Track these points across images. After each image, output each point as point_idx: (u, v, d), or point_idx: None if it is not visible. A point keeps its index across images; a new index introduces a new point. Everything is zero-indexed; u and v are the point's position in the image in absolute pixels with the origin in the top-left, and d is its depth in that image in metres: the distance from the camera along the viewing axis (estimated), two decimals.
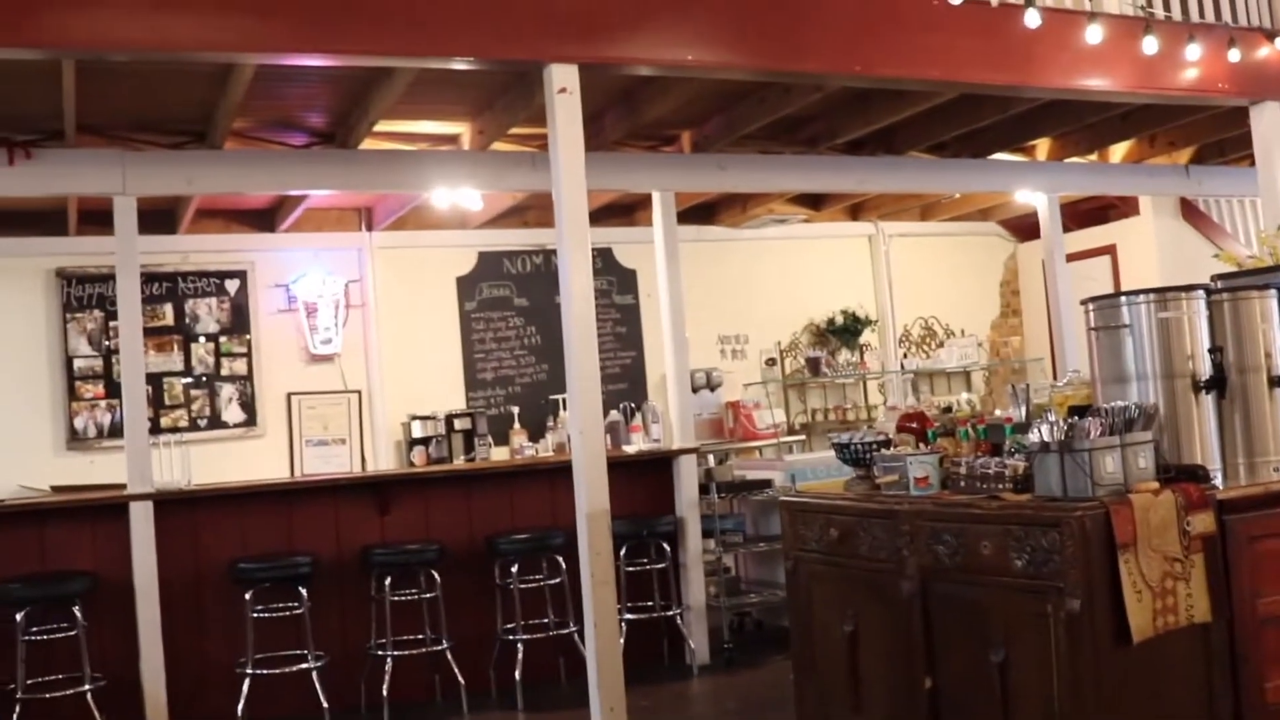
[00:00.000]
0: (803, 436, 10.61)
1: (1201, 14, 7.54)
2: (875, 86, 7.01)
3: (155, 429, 8.71)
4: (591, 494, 5.63)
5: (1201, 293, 4.40)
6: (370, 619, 7.08)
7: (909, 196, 10.62)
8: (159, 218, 8.65)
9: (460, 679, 7.05)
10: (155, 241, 8.61)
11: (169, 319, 9.21)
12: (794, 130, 8.29)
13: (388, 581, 6.97)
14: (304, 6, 5.27)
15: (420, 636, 7.14)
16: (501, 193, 8.40)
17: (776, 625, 8.49)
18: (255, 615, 6.66)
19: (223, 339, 9.37)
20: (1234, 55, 7.30)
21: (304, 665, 6.74)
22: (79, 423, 8.87)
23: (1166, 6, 7.41)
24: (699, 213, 10.36)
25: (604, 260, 10.41)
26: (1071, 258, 10.66)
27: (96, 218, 7.99)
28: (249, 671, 6.62)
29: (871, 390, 11.35)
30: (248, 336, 9.42)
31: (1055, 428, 4.08)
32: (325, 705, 6.66)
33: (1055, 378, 10.67)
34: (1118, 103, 8.02)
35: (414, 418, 9.49)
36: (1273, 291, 4.57)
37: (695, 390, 10.07)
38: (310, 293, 9.49)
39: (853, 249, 11.59)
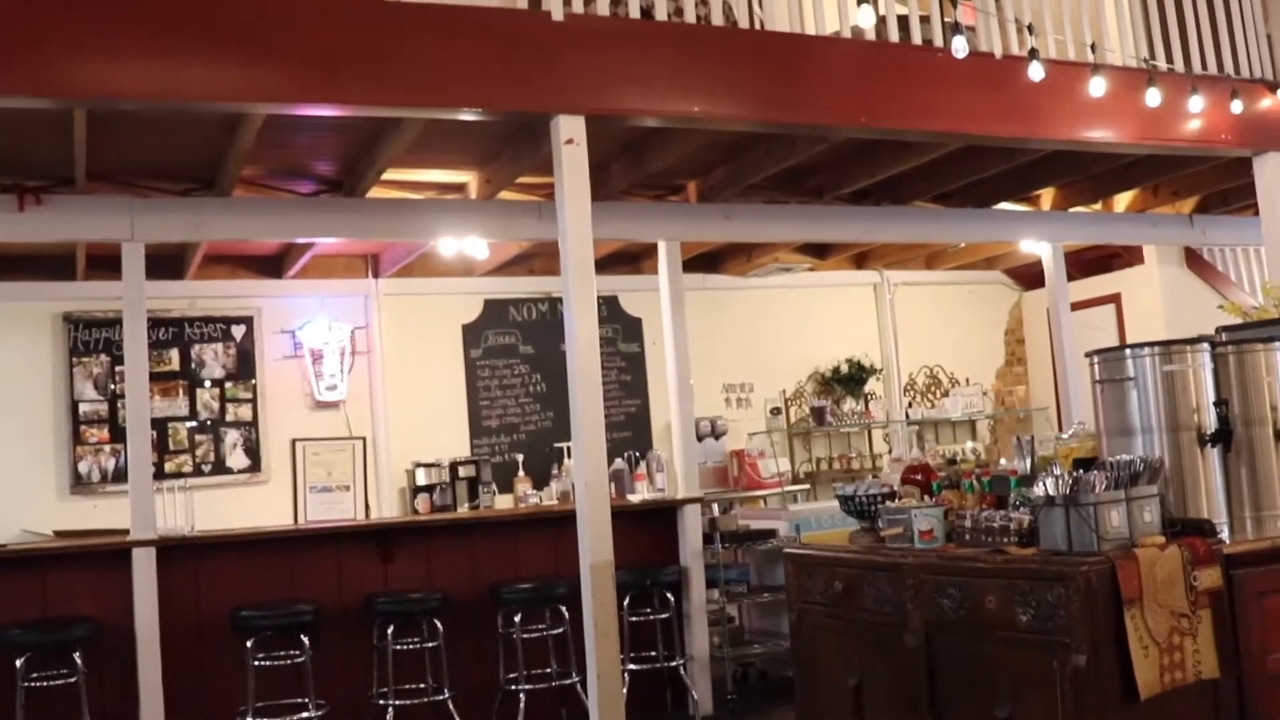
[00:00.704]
0: (807, 486, 10.58)
1: (1204, 66, 7.59)
2: (880, 138, 7.04)
3: (159, 474, 8.69)
4: (595, 545, 5.62)
5: (1206, 345, 4.41)
6: (372, 668, 7.04)
7: (914, 246, 10.64)
8: (167, 263, 8.68)
9: None
10: (162, 287, 8.62)
11: (175, 364, 9.23)
12: (799, 180, 8.33)
13: (390, 630, 6.93)
14: (313, 58, 5.32)
15: (422, 685, 7.10)
16: (508, 241, 8.42)
17: (781, 676, 8.43)
18: (256, 664, 6.62)
19: (228, 384, 9.38)
20: (1237, 107, 7.35)
21: (305, 715, 6.70)
22: (83, 467, 8.87)
23: (1169, 58, 7.46)
24: (704, 261, 10.39)
25: (609, 308, 10.43)
26: (1076, 306, 10.68)
27: (104, 263, 8.02)
28: None
29: (876, 439, 11.33)
30: (253, 382, 9.43)
31: (1060, 481, 4.08)
32: None
33: (1060, 427, 10.67)
34: (1122, 153, 8.05)
35: (418, 465, 9.47)
36: (1278, 344, 4.58)
37: (700, 438, 10.06)
38: (316, 339, 9.51)
39: (858, 297, 11.61)
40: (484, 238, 7.97)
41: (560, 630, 7.30)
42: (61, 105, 5.36)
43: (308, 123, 6.24)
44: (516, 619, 7.14)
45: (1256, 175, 7.86)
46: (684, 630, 7.86)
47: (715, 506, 8.89)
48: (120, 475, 8.53)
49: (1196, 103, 7.02)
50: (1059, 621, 3.82)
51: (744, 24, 6.34)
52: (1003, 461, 12.07)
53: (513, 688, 7.16)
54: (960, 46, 5.66)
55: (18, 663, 6.17)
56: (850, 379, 11.11)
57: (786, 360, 11.12)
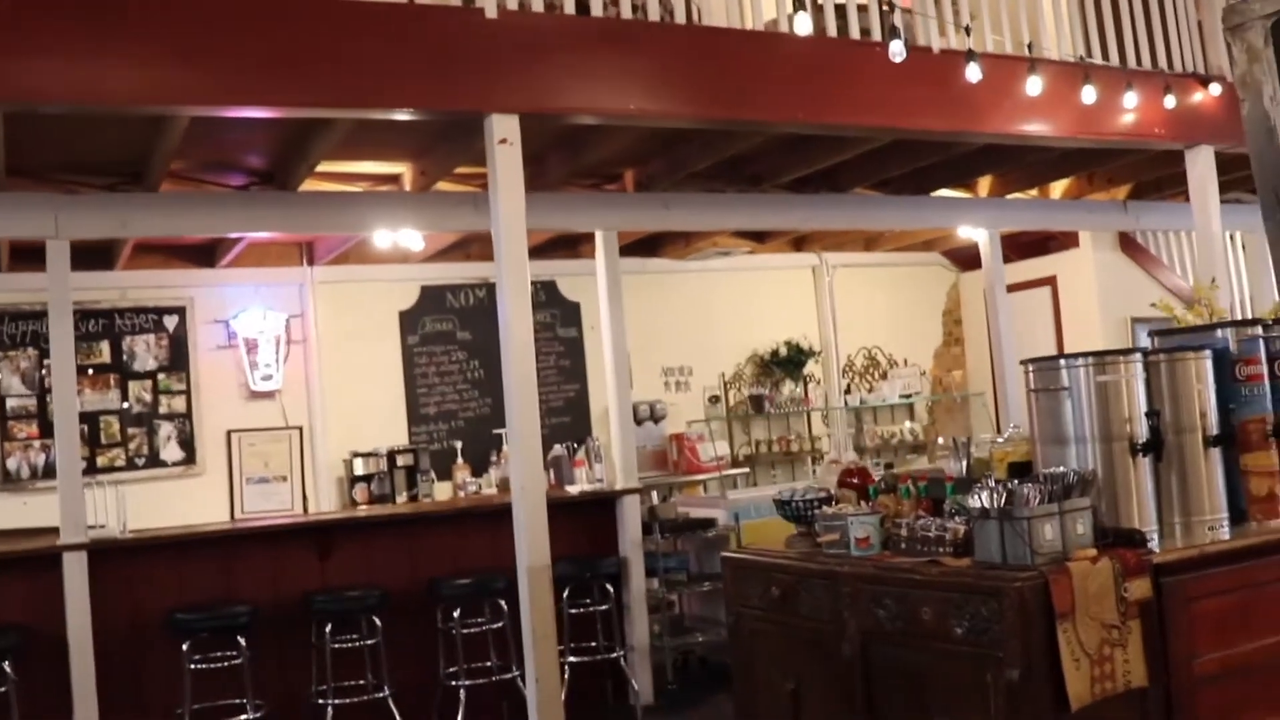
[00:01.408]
0: (746, 469, 10.62)
1: (1139, 61, 7.65)
2: (818, 133, 7.03)
3: (91, 468, 8.58)
4: (532, 550, 5.60)
5: (1139, 356, 4.44)
6: (311, 667, 7.00)
7: (853, 230, 10.67)
8: (96, 253, 8.50)
9: None
10: (91, 278, 8.47)
11: (105, 356, 9.08)
12: (738, 168, 8.31)
13: (328, 628, 6.89)
14: (241, 60, 5.22)
15: (362, 683, 7.06)
16: (443, 233, 8.34)
17: (720, 663, 8.45)
18: (193, 666, 6.55)
19: (161, 376, 9.24)
20: (1170, 101, 7.41)
21: (244, 717, 6.64)
22: (12, 463, 8.71)
23: (1105, 53, 7.50)
24: (643, 245, 10.35)
25: (547, 293, 10.38)
26: (1013, 288, 10.77)
27: (29, 254, 7.85)
28: None
29: (816, 421, 11.38)
30: (187, 373, 9.29)
31: (995, 494, 4.09)
32: None
33: (997, 412, 10.78)
34: (1058, 146, 8.10)
35: (356, 455, 9.39)
36: (1208, 352, 4.62)
37: (639, 423, 10.07)
38: (251, 328, 9.39)
39: (797, 280, 11.62)
40: (419, 230, 7.90)
41: (500, 624, 7.29)
42: None
43: (238, 120, 6.12)
44: (456, 614, 7.12)
45: (1188, 167, 7.94)
46: (624, 621, 7.87)
47: (655, 495, 8.90)
48: (51, 471, 8.36)
49: (1131, 99, 7.08)
50: (993, 635, 3.84)
51: (681, 19, 6.27)
52: (940, 440, 12.24)
53: (453, 683, 7.15)
54: (898, 50, 5.64)
55: None
56: (789, 361, 11.14)
57: (726, 343, 11.12)
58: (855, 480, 5.06)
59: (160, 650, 6.69)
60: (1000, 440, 5.15)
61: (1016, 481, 4.20)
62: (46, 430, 8.64)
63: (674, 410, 10.65)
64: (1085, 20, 7.63)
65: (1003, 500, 4.05)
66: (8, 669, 6.16)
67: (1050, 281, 11.57)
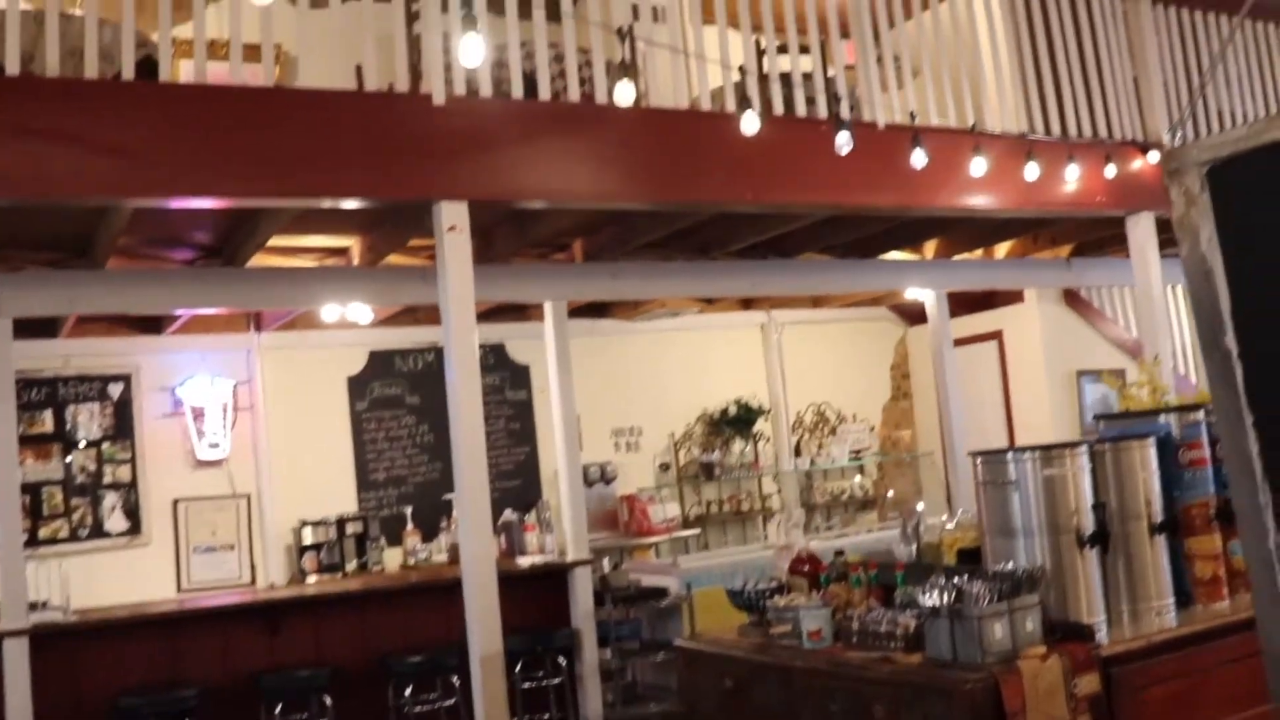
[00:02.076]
0: (698, 530, 10.62)
1: (1079, 131, 7.76)
2: (766, 212, 7.08)
3: (33, 540, 8.44)
4: (484, 636, 5.56)
5: (1085, 448, 4.50)
6: None
7: None
8: (39, 322, 8.39)
9: None
10: (34, 346, 8.38)
11: (48, 425, 8.94)
12: (686, 237, 8.34)
13: (279, 709, 6.81)
14: (187, 150, 5.19)
15: None
16: (392, 306, 8.31)
17: None
18: None
19: (105, 445, 9.11)
20: (1110, 170, 7.54)
21: None
22: None
23: (1047, 125, 7.61)
24: (592, 307, 10.33)
25: (496, 356, 10.36)
26: (959, 342, 10.88)
27: None
28: None
29: (766, 479, 11.40)
30: (132, 441, 9.18)
31: (945, 591, 4.12)
32: None
33: (946, 470, 10.85)
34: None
35: (305, 523, 9.29)
36: (1152, 440, 4.69)
37: (590, 485, 10.04)
38: (197, 396, 9.28)
39: (745, 338, 11.67)
40: (367, 303, 7.87)
41: (453, 701, 7.24)
42: None
43: None
44: (408, 692, 7.07)
45: (1129, 233, 8.07)
46: (577, 692, 7.83)
47: (606, 562, 8.88)
48: None
49: (1073, 171, 7.19)
50: None
51: (629, 99, 6.30)
52: (890, 494, 12.27)
53: None
54: (844, 142, 5.71)
55: None
56: (739, 420, 11.16)
57: (675, 403, 11.13)
58: (806, 568, 5.08)
59: None
60: (950, 526, 5.20)
61: (967, 578, 4.23)
62: None
63: (624, 471, 10.64)
64: (1027, 92, 7.75)
65: (953, 598, 4.09)
66: None
67: (997, 336, 11.68)
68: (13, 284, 6.67)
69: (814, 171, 6.54)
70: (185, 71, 7.26)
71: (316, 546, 9.26)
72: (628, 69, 5.40)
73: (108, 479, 9.09)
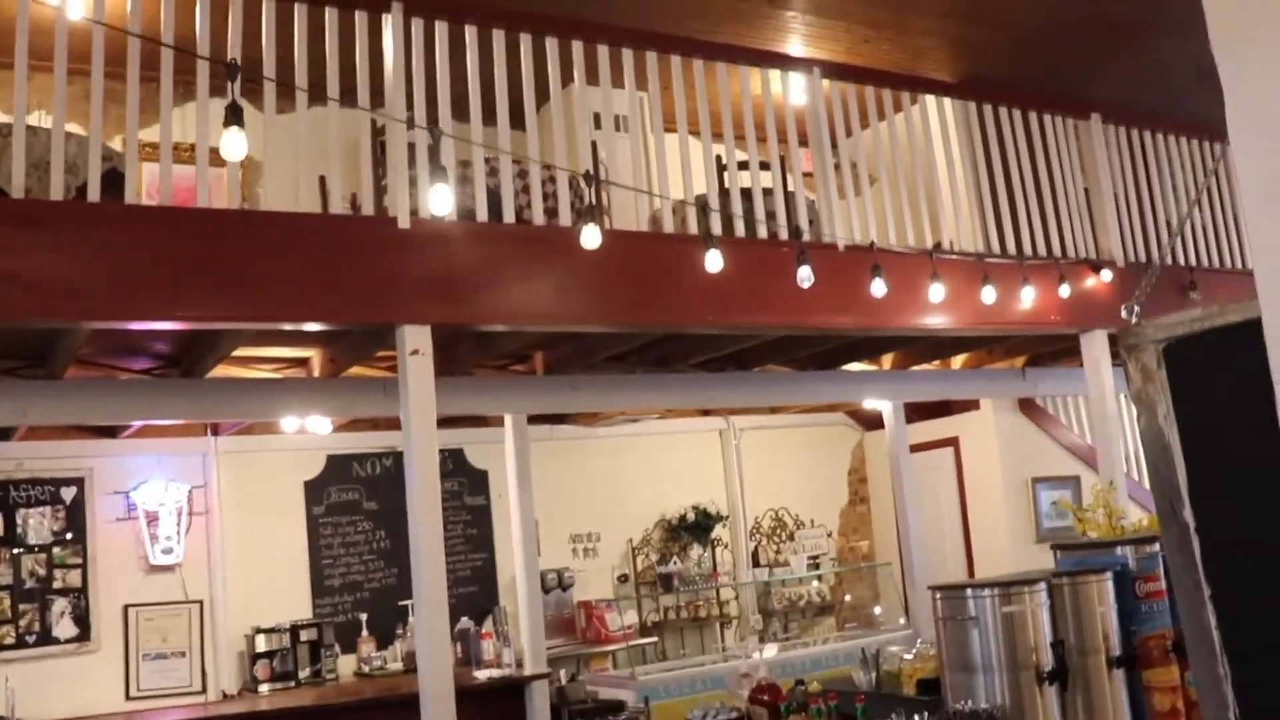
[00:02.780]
0: (655, 639, 10.56)
1: (1034, 249, 7.90)
2: (727, 333, 7.15)
3: None
4: None
5: (1043, 585, 4.53)
6: None
7: None
8: None
9: None
10: None
11: None
12: (647, 351, 8.39)
13: None
14: (148, 273, 5.19)
15: None
16: (352, 418, 8.28)
17: None
18: None
19: (56, 549, 8.98)
20: (1065, 290, 7.67)
21: None
22: None
23: (1003, 244, 7.74)
24: (552, 414, 10.37)
25: (455, 461, 10.33)
26: (916, 448, 10.96)
27: None
28: None
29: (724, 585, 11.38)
30: (84, 546, 9.06)
31: None
32: None
33: (904, 582, 10.86)
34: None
35: (258, 630, 9.17)
36: (1109, 575, 4.74)
37: (547, 591, 9.99)
38: (151, 500, 9.19)
39: (704, 443, 11.71)
40: (327, 416, 7.84)
41: None
42: None
43: None
44: None
45: (1083, 349, 8.19)
46: None
47: (563, 674, 8.80)
48: None
49: (1029, 293, 7.30)
50: None
51: (594, 243, 6.34)
52: (848, 598, 12.25)
53: None
54: (805, 276, 5.79)
55: None
56: (697, 526, 11.16)
57: (634, 509, 11.12)
58: (766, 698, 5.07)
59: None
60: (909, 656, 5.21)
61: (928, 715, 4.25)
62: None
63: (582, 577, 10.59)
64: (984, 211, 7.89)
65: None
66: None
67: (953, 442, 11.77)
68: None
69: (775, 294, 6.61)
70: (150, 173, 7.27)
71: (269, 654, 9.14)
72: (593, 212, 5.46)
73: (58, 584, 8.95)
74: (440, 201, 4.89)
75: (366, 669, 9.31)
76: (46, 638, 8.87)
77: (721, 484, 11.66)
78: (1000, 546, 11.05)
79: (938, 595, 4.64)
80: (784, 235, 6.84)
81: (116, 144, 6.94)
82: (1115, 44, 9.20)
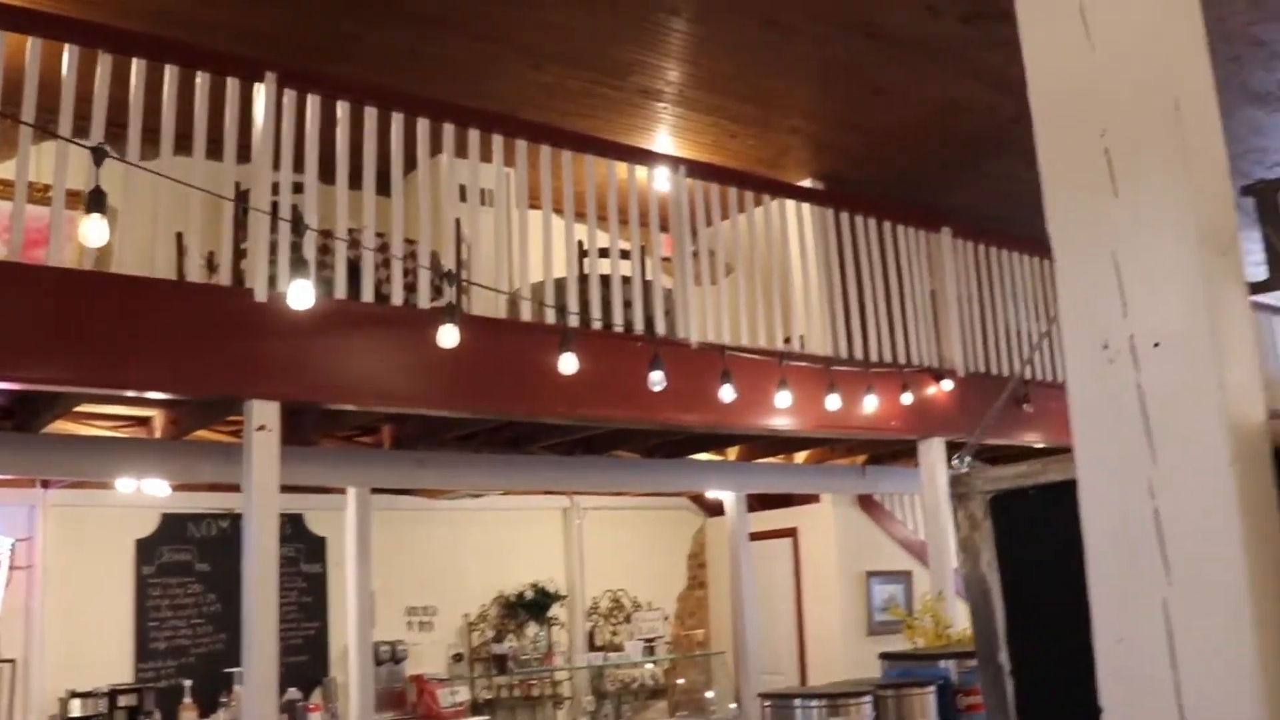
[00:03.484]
0: (487, 717, 10.47)
1: (880, 356, 8.15)
2: (576, 424, 7.21)
3: None
4: None
5: (870, 697, 4.65)
6: None
7: None
8: None
9: None
10: None
11: None
12: (496, 432, 8.41)
13: None
14: None
15: None
16: (192, 482, 8.11)
17: None
18: None
19: None
20: (907, 398, 7.91)
21: None
22: None
23: (850, 349, 7.97)
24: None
25: (293, 527, 10.17)
26: (756, 536, 11.10)
27: None
28: None
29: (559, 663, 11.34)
30: None
31: None
32: None
33: (737, 672, 10.96)
34: None
35: (74, 694, 8.85)
36: (932, 689, 4.88)
37: (380, 663, 9.87)
38: None
39: (547, 520, 11.72)
40: (167, 479, 7.66)
41: None
42: None
43: None
44: None
45: (921, 455, 8.45)
46: None
47: None
48: None
49: (872, 401, 7.52)
50: None
51: (452, 342, 6.34)
52: (680, 682, 12.32)
53: None
54: (657, 380, 5.90)
55: None
56: (535, 604, 11.14)
57: (472, 583, 11.06)
58: None
59: None
60: None
61: None
62: None
63: (415, 651, 10.47)
64: (834, 314, 8.12)
65: None
66: None
67: (792, 533, 11.97)
68: None
69: (627, 389, 6.69)
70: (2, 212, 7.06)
71: (84, 719, 8.82)
72: (453, 312, 5.49)
73: None
74: (300, 296, 4.87)
75: None
76: None
77: (562, 562, 11.67)
78: (833, 636, 11.25)
79: (766, 704, 4.73)
80: (639, 327, 6.95)
81: None
82: (965, 159, 9.60)
